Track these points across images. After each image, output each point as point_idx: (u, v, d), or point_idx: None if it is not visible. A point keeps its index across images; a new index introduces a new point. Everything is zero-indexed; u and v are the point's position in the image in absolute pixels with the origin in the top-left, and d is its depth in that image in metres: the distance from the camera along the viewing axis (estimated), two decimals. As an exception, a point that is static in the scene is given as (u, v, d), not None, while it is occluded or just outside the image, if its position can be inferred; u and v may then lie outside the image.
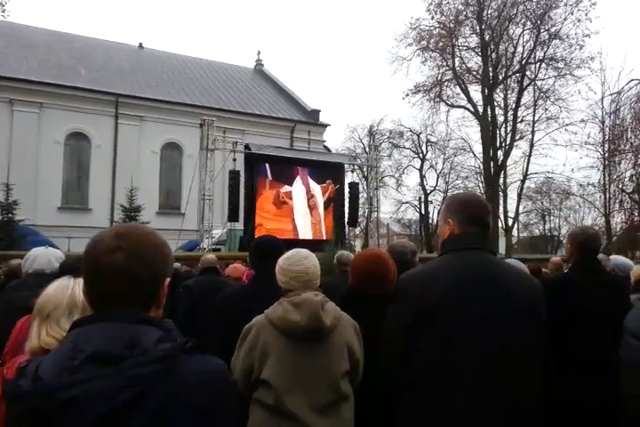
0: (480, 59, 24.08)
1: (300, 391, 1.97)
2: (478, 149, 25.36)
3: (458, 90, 24.72)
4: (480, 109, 23.99)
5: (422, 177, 30.01)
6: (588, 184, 20.54)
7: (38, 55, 22.76)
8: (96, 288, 1.07)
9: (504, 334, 1.69)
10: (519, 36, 23.50)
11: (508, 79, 24.10)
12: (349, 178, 18.78)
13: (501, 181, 23.83)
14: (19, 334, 2.05)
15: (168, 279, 1.13)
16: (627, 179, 17.19)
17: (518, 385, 1.67)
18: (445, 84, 24.70)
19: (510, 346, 1.68)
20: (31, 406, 0.93)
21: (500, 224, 22.84)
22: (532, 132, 23.77)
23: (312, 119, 28.35)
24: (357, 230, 25.36)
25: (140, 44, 29.50)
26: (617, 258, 4.01)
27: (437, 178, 30.27)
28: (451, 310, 1.70)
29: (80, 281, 1.65)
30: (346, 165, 18.27)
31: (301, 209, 15.66)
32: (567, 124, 22.20)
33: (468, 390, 1.64)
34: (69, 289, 1.65)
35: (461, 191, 26.15)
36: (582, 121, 20.81)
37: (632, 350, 2.20)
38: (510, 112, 23.96)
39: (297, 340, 2.00)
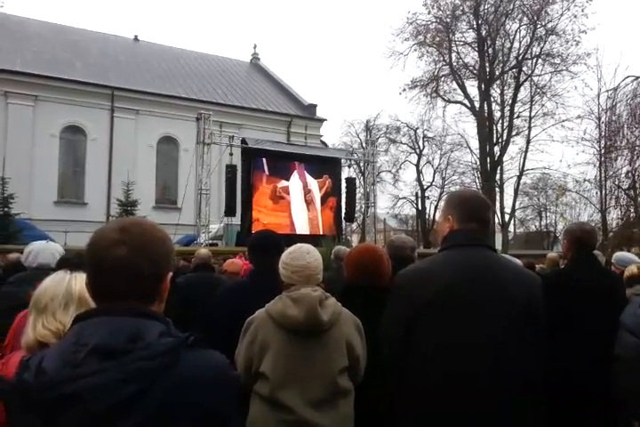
0: (477, 54, 24.11)
1: (296, 385, 1.98)
2: (475, 144, 25.46)
3: (454, 85, 24.79)
4: (477, 105, 24.03)
5: (419, 172, 30.06)
6: (585, 180, 20.57)
7: (33, 47, 22.55)
8: (99, 282, 1.07)
9: (500, 331, 1.69)
10: (516, 31, 23.56)
11: (505, 75, 24.13)
12: (346, 173, 18.86)
13: (498, 176, 23.92)
14: (17, 327, 2.05)
15: (170, 274, 1.13)
16: (623, 175, 17.22)
17: (514, 383, 1.67)
18: (442, 79, 24.74)
19: (506, 344, 1.68)
20: (35, 400, 0.93)
21: (496, 220, 22.93)
22: (529, 128, 23.86)
23: (309, 114, 28.26)
24: (354, 226, 25.40)
25: (136, 37, 29.27)
26: (621, 254, 4.05)
27: (434, 173, 30.33)
28: (446, 308, 1.71)
29: (77, 275, 1.65)
30: (343, 160, 18.25)
31: (298, 204, 15.65)
32: (563, 121, 22.33)
33: (461, 390, 1.65)
34: (65, 282, 1.65)
35: (460, 187, 26.23)
36: (579, 117, 20.86)
37: (628, 345, 2.21)
38: (507, 108, 24.05)
39: (295, 335, 2.02)
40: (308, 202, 15.89)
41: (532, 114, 23.71)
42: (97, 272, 1.07)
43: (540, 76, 23.59)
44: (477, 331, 1.69)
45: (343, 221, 17.45)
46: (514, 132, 23.97)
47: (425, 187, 30.13)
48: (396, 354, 1.81)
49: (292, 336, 2.02)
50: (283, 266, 2.18)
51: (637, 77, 16.81)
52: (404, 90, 24.66)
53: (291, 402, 1.96)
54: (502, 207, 24.06)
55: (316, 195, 16.11)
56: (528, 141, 23.75)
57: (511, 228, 28.13)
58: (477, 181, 25.98)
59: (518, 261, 3.52)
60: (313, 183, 16.04)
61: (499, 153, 23.65)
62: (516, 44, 23.59)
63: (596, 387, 2.38)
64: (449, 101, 25.39)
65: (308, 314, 1.99)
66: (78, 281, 1.62)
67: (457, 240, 1.86)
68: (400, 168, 30.53)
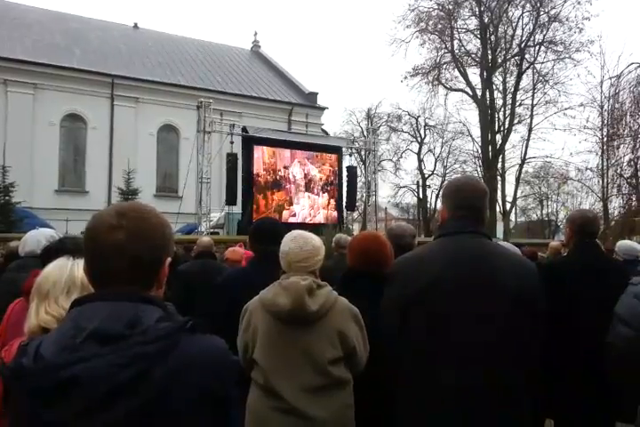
0: (479, 41, 23.85)
1: (288, 374, 1.98)
2: (476, 132, 25.29)
3: (456, 73, 24.55)
4: (479, 93, 23.84)
5: (420, 161, 29.94)
6: (587, 169, 20.49)
7: (32, 35, 22.41)
8: (96, 267, 1.06)
9: (488, 321, 1.69)
10: (518, 18, 23.27)
11: (507, 62, 23.90)
12: (347, 162, 18.75)
13: (499, 165, 23.81)
14: (10, 317, 2.05)
15: (169, 259, 1.12)
16: (625, 164, 17.12)
17: (503, 371, 1.67)
18: (444, 66, 24.50)
19: (494, 333, 1.68)
20: (33, 385, 0.93)
21: (497, 209, 22.89)
22: (531, 116, 23.71)
23: (310, 102, 28.11)
24: (355, 214, 25.38)
25: (136, 25, 29.06)
26: (624, 242, 4.01)
27: (435, 162, 30.21)
28: (435, 297, 1.72)
29: (79, 261, 1.64)
30: (344, 149, 18.18)
31: (299, 193, 15.63)
32: (566, 109, 22.13)
33: (452, 376, 1.65)
34: (68, 268, 1.65)
35: (459, 175, 26.12)
36: (581, 105, 20.68)
37: (621, 336, 2.19)
38: (509, 96, 23.83)
39: (284, 322, 2.02)
40: (309, 191, 15.87)
41: (535, 102, 23.55)
42: (94, 257, 1.06)
43: (542, 63, 23.36)
44: (468, 318, 1.69)
45: (344, 209, 17.43)
46: (516, 121, 23.81)
47: (426, 175, 30.03)
48: (393, 341, 1.81)
49: (280, 324, 2.02)
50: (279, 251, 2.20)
51: (641, 64, 16.64)
52: (406, 78, 24.46)
53: (283, 391, 1.96)
54: (504, 196, 24.03)
55: (317, 183, 16.07)
56: (530, 130, 23.63)
57: (512, 217, 28.10)
58: (479, 169, 25.85)
59: (517, 249, 3.49)
60: (314, 172, 16.00)
61: (500, 141, 23.52)
62: (519, 32, 23.35)
63: (596, 374, 2.38)
64: (451, 89, 25.19)
65: (294, 303, 1.98)
66: (81, 267, 1.61)
67: (447, 228, 1.88)
68: (401, 157, 30.46)
